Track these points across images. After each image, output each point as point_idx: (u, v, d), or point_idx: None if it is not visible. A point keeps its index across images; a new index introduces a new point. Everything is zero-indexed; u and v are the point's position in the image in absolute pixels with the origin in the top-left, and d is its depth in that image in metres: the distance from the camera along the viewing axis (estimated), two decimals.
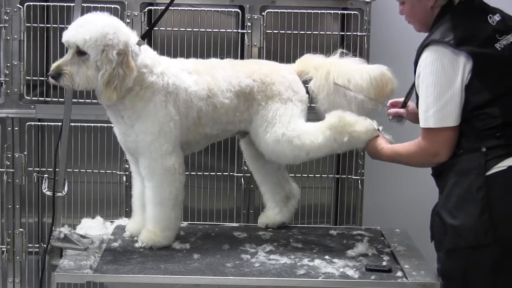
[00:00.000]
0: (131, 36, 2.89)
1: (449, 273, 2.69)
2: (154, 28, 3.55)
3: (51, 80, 2.83)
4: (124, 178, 3.66)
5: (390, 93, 3.04)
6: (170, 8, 3.16)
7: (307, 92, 3.11)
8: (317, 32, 3.65)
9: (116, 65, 2.80)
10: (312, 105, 3.14)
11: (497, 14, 2.71)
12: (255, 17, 3.62)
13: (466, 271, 2.64)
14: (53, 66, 2.82)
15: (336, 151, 3.06)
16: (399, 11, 2.84)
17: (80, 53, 2.81)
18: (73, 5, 2.86)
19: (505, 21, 2.71)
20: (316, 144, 2.97)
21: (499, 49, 2.64)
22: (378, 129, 2.95)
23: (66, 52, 2.84)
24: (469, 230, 2.61)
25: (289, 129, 3.00)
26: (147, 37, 3.01)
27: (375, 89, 3.01)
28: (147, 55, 2.93)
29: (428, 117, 2.66)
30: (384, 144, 2.90)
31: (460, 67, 2.61)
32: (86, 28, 2.80)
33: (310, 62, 3.12)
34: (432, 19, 2.75)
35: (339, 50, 3.11)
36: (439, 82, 2.62)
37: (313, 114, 3.16)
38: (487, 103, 2.62)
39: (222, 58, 3.21)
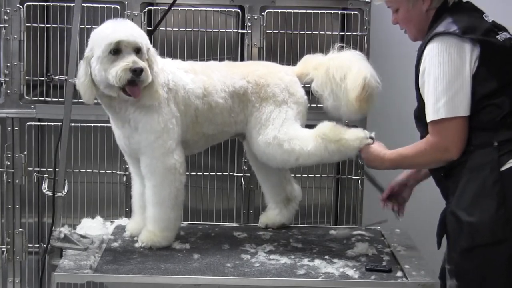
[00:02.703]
0: None
1: (464, 273, 2.68)
2: None
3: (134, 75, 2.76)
4: (124, 178, 3.66)
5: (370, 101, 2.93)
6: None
7: (309, 93, 3.10)
8: (317, 32, 3.65)
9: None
10: (317, 105, 3.13)
11: (488, 16, 2.75)
12: (255, 17, 3.62)
13: (483, 269, 2.63)
14: (129, 64, 2.74)
15: (326, 160, 3.01)
16: (392, 20, 2.83)
17: (137, 51, 2.80)
18: (73, 5, 2.85)
19: (494, 23, 2.75)
20: (306, 151, 2.94)
21: (501, 40, 2.67)
22: (371, 137, 2.90)
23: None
24: (486, 225, 2.60)
25: (281, 132, 2.98)
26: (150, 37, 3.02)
27: (359, 93, 2.89)
28: None
29: (438, 108, 2.63)
30: (385, 150, 2.86)
31: (467, 55, 2.61)
32: (132, 28, 2.82)
33: (309, 63, 3.10)
34: (427, 23, 2.76)
35: (338, 45, 3.06)
36: (448, 72, 2.61)
37: (313, 114, 3.16)
38: (494, 92, 2.62)
39: (222, 58, 3.21)
